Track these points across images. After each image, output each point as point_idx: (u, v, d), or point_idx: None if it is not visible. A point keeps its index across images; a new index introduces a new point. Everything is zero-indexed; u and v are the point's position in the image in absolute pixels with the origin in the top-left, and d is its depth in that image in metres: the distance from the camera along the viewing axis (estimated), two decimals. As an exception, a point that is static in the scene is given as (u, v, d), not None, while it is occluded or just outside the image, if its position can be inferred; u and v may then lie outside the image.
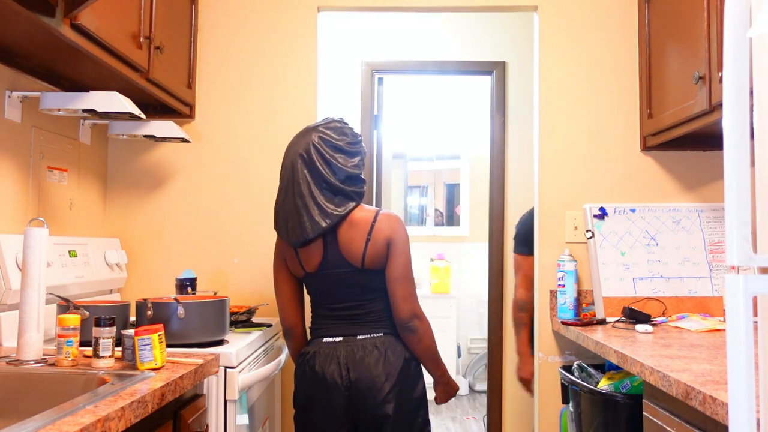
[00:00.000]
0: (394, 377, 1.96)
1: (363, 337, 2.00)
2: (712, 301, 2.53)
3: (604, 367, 2.33)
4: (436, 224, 6.20)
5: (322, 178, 1.99)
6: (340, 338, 2.01)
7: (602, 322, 2.43)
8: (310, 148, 2.01)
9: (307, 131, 2.06)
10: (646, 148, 2.69)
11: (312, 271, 2.04)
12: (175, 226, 2.74)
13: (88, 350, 1.61)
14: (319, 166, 1.99)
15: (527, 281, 2.95)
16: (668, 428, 1.59)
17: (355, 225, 2.01)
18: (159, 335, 1.57)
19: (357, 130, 3.82)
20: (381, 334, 2.01)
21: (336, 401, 1.95)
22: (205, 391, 1.84)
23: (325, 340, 2.02)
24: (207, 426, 1.77)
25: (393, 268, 2.01)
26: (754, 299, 0.85)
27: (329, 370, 1.95)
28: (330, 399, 1.95)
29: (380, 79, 3.98)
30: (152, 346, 1.55)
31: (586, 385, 2.21)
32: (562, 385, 2.49)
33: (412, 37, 3.91)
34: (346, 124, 2.12)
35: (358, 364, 1.95)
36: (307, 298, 2.17)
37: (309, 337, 2.13)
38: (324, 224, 1.97)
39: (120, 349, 1.65)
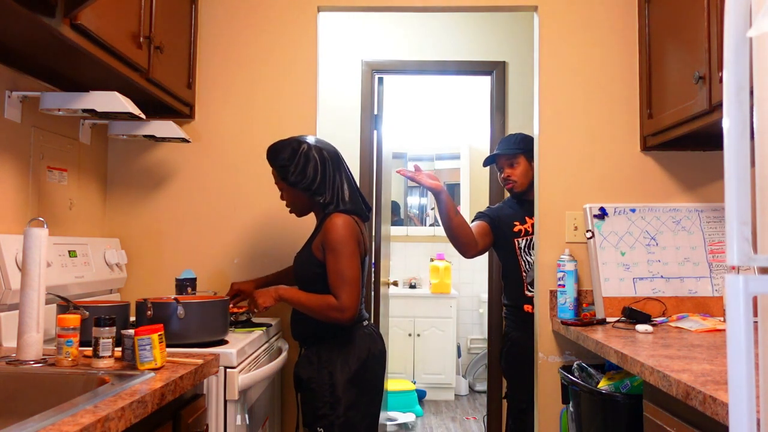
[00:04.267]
0: None
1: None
2: (712, 301, 2.53)
3: (604, 367, 2.33)
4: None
5: None
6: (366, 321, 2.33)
7: (602, 322, 2.43)
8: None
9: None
10: (646, 148, 2.68)
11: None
12: (175, 226, 2.74)
13: (88, 350, 1.61)
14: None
15: None
16: (668, 428, 1.59)
17: None
18: (159, 335, 1.57)
19: (357, 129, 3.85)
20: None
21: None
22: (205, 392, 1.84)
23: (365, 323, 2.29)
24: (207, 426, 1.77)
25: None
26: (754, 299, 0.85)
27: (381, 346, 2.29)
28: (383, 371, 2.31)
29: (380, 79, 3.98)
30: (152, 346, 1.55)
31: (586, 385, 2.21)
32: (562, 385, 2.50)
33: (412, 37, 3.91)
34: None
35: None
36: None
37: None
38: None
39: (120, 349, 1.66)
